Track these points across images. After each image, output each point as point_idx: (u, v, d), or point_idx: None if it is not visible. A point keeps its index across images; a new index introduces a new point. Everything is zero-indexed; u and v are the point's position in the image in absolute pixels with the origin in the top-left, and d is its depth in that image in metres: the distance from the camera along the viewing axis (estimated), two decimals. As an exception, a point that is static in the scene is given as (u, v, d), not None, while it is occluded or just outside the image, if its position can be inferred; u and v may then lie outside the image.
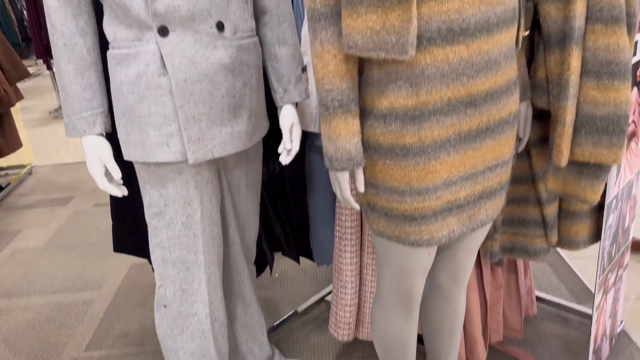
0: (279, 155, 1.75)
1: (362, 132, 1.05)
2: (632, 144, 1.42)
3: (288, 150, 1.38)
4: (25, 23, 7.46)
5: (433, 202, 1.04)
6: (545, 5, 1.17)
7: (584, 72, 1.15)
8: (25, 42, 7.63)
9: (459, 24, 0.92)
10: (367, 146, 1.04)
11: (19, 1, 7.48)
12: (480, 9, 0.92)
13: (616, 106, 1.14)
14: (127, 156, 1.24)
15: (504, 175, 1.13)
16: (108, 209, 3.23)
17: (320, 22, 0.96)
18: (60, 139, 4.71)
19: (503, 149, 1.09)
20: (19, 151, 3.64)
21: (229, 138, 1.25)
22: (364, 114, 1.04)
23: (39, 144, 4.62)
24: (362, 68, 1.04)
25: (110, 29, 1.18)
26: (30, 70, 7.67)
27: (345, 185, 1.07)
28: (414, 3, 0.88)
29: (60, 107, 5.57)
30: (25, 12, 7.30)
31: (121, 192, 1.29)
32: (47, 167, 4.03)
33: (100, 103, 1.25)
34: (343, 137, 1.00)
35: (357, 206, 1.13)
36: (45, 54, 5.06)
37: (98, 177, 1.26)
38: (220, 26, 1.18)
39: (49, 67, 5.24)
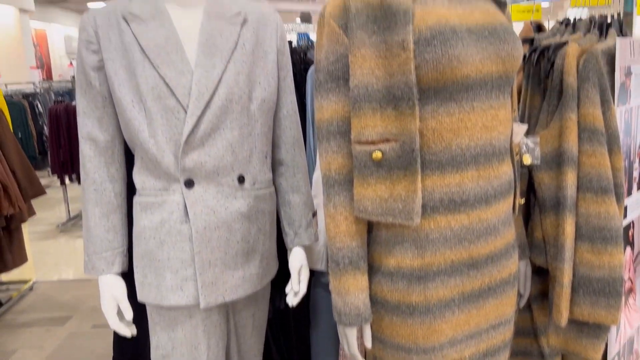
0: (285, 292, 1.78)
1: (369, 288, 1.10)
2: (630, 299, 1.47)
3: (295, 292, 1.43)
4: (44, 138, 7.80)
5: (440, 360, 1.06)
6: (539, 173, 1.27)
7: (579, 236, 1.22)
8: (42, 155, 7.93)
9: (459, 196, 1.01)
10: (375, 302, 1.09)
11: (41, 117, 7.89)
12: (479, 183, 1.02)
13: (611, 269, 1.20)
14: (141, 297, 1.29)
15: (507, 333, 1.16)
16: (106, 331, 3.18)
17: (334, 188, 1.05)
18: (63, 255, 4.74)
19: (505, 307, 1.13)
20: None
21: (240, 282, 1.30)
22: (372, 271, 1.10)
23: (43, 259, 4.64)
24: (370, 227, 1.12)
25: (139, 178, 1.29)
26: (43, 182, 7.90)
27: (353, 341, 1.10)
28: (419, 177, 0.98)
29: (67, 221, 5.67)
30: (45, 128, 7.65)
31: (131, 331, 1.32)
32: (49, 284, 4.03)
33: (120, 243, 1.32)
34: (352, 292, 1.05)
35: (359, 358, 1.15)
36: (60, 170, 5.27)
37: (110, 315, 1.29)
38: (241, 179, 1.28)
39: (62, 182, 5.42)
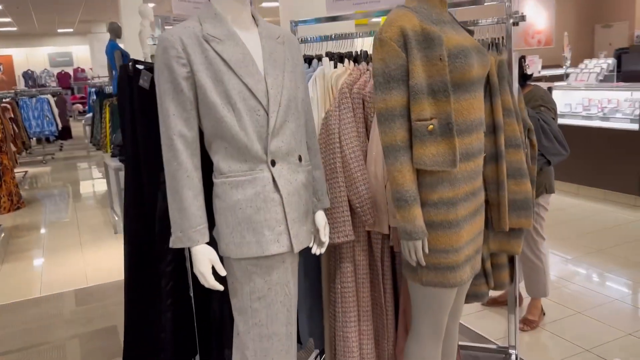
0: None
1: (420, 216, 1.67)
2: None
3: (321, 243, 1.90)
4: None
5: (462, 256, 1.69)
6: (480, 139, 2.00)
7: (507, 175, 1.98)
8: None
9: (470, 150, 1.66)
10: (425, 224, 1.66)
11: None
12: (477, 143, 1.68)
13: (526, 193, 1.98)
14: (239, 255, 1.63)
15: (482, 239, 1.85)
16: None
17: (400, 152, 1.60)
18: None
19: (482, 222, 1.82)
20: None
21: (306, 234, 1.74)
22: (421, 204, 1.67)
23: None
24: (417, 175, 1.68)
25: (224, 163, 1.63)
26: None
27: (419, 246, 1.64)
28: (456, 140, 1.59)
29: None
30: None
31: (221, 287, 1.65)
32: None
33: (205, 219, 1.64)
34: (418, 217, 1.61)
35: (423, 262, 1.68)
36: None
37: (207, 275, 1.61)
38: (300, 158, 1.73)
39: None
